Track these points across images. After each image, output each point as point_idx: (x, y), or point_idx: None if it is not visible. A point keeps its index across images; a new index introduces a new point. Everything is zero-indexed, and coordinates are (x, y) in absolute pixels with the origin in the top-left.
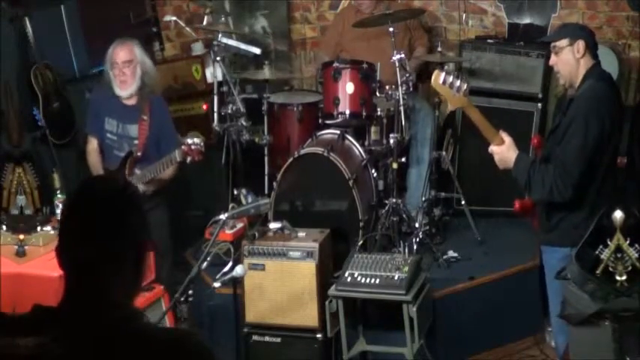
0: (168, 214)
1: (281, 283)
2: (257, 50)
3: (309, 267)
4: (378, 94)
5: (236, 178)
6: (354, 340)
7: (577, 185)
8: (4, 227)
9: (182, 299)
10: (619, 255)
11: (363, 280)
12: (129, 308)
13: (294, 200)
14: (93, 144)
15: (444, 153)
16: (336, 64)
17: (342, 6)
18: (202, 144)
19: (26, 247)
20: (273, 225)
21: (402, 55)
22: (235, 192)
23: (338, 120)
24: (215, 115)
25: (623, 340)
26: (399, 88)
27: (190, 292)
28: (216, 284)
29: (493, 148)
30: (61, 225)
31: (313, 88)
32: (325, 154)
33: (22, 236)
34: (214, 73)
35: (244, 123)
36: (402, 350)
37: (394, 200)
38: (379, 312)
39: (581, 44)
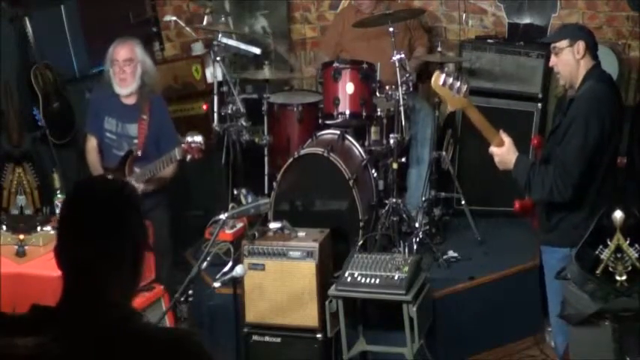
0: (168, 214)
1: (281, 283)
2: (257, 50)
3: (309, 267)
4: (378, 94)
5: (236, 178)
6: (354, 340)
7: (577, 185)
8: (4, 227)
9: (182, 299)
10: (619, 255)
11: (363, 280)
12: (127, 308)
13: (294, 200)
14: (92, 143)
15: (444, 153)
16: (336, 64)
17: (342, 6)
18: (202, 142)
19: (26, 247)
20: (273, 225)
21: (402, 55)
22: (235, 192)
23: (338, 120)
24: (215, 115)
25: (623, 340)
26: (399, 88)
27: (190, 292)
28: (216, 284)
29: (493, 150)
30: (59, 225)
31: (313, 88)
32: (325, 154)
33: (22, 236)
34: (214, 73)
35: (244, 123)
36: (402, 350)
37: (394, 200)
38: (379, 312)
39: (581, 45)
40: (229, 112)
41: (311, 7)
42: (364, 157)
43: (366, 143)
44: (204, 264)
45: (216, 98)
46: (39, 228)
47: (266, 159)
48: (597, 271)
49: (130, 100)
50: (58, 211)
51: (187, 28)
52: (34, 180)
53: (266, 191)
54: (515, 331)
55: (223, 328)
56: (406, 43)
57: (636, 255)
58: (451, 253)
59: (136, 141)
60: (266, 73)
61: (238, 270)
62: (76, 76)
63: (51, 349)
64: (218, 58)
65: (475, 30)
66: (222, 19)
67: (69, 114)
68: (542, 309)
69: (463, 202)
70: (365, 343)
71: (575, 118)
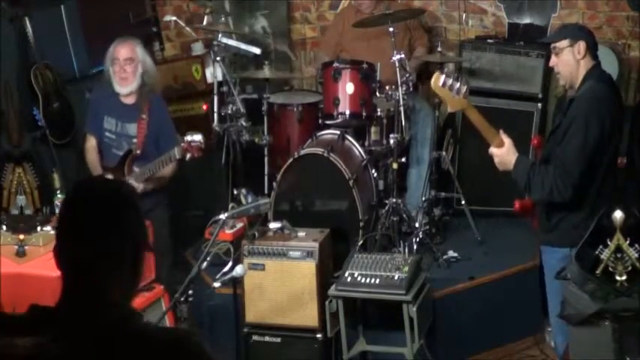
0: (168, 213)
1: (281, 283)
2: (257, 50)
3: (309, 267)
4: (378, 94)
5: (236, 178)
6: (354, 340)
7: (577, 185)
8: (4, 227)
9: (182, 299)
10: (619, 255)
11: (363, 280)
12: (127, 308)
13: (294, 200)
14: (91, 142)
15: (444, 153)
16: (336, 65)
17: (342, 6)
18: (202, 140)
19: (26, 247)
20: (273, 225)
21: (402, 55)
22: (235, 192)
23: (338, 120)
24: (215, 115)
25: (623, 340)
26: (399, 88)
27: (190, 292)
28: (216, 284)
29: (493, 150)
30: (58, 225)
31: (313, 88)
32: (325, 154)
33: (22, 236)
34: (214, 73)
35: (244, 123)
36: (402, 350)
37: (394, 200)
38: (379, 312)
39: (581, 45)
40: (229, 112)
41: (311, 7)
42: (364, 157)
43: (366, 143)
44: (204, 264)
45: (216, 98)
46: (39, 228)
47: (266, 159)
48: (597, 271)
49: (130, 100)
50: (58, 211)
51: (187, 28)
52: (34, 180)
53: (266, 191)
54: (515, 331)
55: (223, 328)
56: (406, 43)
57: (636, 255)
58: (451, 253)
59: (135, 140)
60: (266, 72)
61: (238, 270)
62: (76, 76)
63: (50, 349)
64: (218, 58)
65: (475, 30)
66: (222, 19)
67: (69, 114)
68: (542, 309)
69: (463, 202)
70: (365, 343)
71: (575, 118)
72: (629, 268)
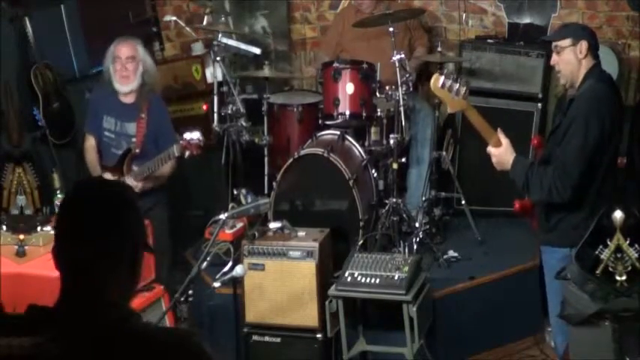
0: (167, 213)
1: (281, 283)
2: (257, 50)
3: (309, 267)
4: (378, 94)
5: (236, 178)
6: (354, 340)
7: (577, 186)
8: (4, 227)
9: (182, 299)
10: (619, 255)
11: (363, 279)
12: (125, 309)
13: (294, 200)
14: (91, 142)
15: (444, 153)
16: (336, 65)
17: (342, 6)
18: (201, 138)
19: (26, 247)
20: (273, 225)
21: (402, 56)
22: (235, 192)
23: (338, 121)
24: (215, 115)
25: (623, 340)
26: (399, 88)
27: (190, 292)
28: (216, 284)
29: (491, 150)
30: (57, 225)
31: (313, 88)
32: (325, 154)
33: (22, 236)
34: (214, 73)
35: (244, 123)
36: (402, 350)
37: (394, 200)
38: (379, 312)
39: (584, 45)
40: (229, 112)
41: (311, 7)
42: (364, 157)
43: (366, 143)
44: (204, 264)
45: (216, 98)
46: (39, 228)
47: (266, 159)
48: (597, 271)
49: (129, 99)
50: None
51: (187, 28)
52: (34, 180)
53: (266, 191)
54: (515, 331)
55: (223, 328)
56: (406, 43)
57: (636, 255)
58: (451, 253)
59: (134, 140)
60: (266, 72)
61: (238, 270)
62: (76, 76)
63: (48, 349)
64: (218, 58)
65: (475, 30)
66: (222, 19)
67: (69, 114)
68: (542, 309)
69: (463, 202)
70: (365, 343)
71: (575, 118)
72: (629, 268)
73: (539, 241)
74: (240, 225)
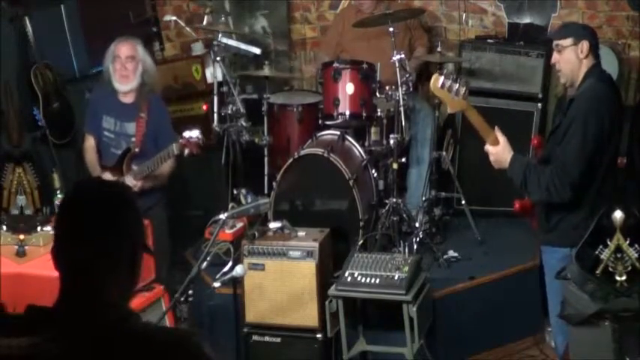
0: (167, 213)
1: (281, 283)
2: (257, 50)
3: (309, 267)
4: (378, 94)
5: (236, 178)
6: (354, 340)
7: (576, 185)
8: (4, 227)
9: (182, 299)
10: (619, 255)
11: (363, 279)
12: (125, 309)
13: (294, 200)
14: (90, 142)
15: (444, 153)
16: (336, 65)
17: (342, 6)
18: (200, 136)
19: (26, 247)
20: (273, 224)
21: (402, 56)
22: (235, 192)
23: (338, 121)
24: (215, 115)
25: (623, 340)
26: (399, 88)
27: (190, 292)
28: (216, 284)
29: (488, 148)
30: (56, 226)
31: (313, 88)
32: (325, 154)
33: (22, 236)
34: (214, 73)
35: (244, 123)
36: (402, 350)
37: (394, 200)
38: (379, 312)
39: (585, 45)
40: (229, 112)
41: (311, 7)
42: (364, 157)
43: (366, 144)
44: (204, 264)
45: (216, 98)
46: (39, 228)
47: (266, 159)
48: (597, 271)
49: (129, 99)
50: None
51: (187, 28)
52: (34, 180)
53: (266, 191)
54: (515, 331)
55: (223, 328)
56: (406, 43)
57: (636, 255)
58: (451, 253)
59: (133, 139)
60: (266, 72)
61: (238, 270)
62: (76, 76)
63: (47, 349)
64: (218, 58)
65: (475, 30)
66: (222, 19)
67: (69, 114)
68: (542, 309)
69: (463, 202)
70: (365, 343)
71: (575, 117)
72: (629, 268)
73: (539, 241)
74: (240, 225)
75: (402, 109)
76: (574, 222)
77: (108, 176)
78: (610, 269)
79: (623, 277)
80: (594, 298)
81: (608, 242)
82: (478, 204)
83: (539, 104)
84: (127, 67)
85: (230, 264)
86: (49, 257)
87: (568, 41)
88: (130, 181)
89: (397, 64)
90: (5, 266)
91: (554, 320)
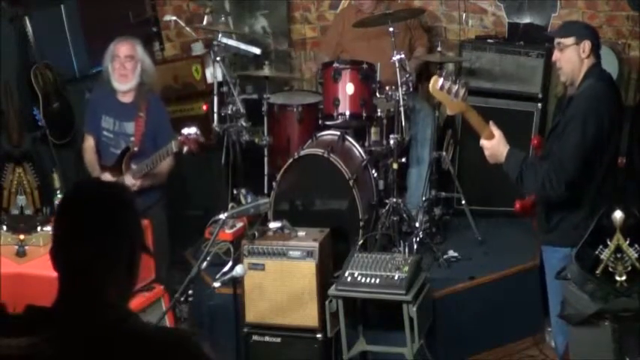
0: (166, 212)
1: (281, 283)
2: (257, 50)
3: (309, 266)
4: (378, 94)
5: (236, 178)
6: (354, 340)
7: (572, 182)
8: (4, 227)
9: (182, 299)
10: (619, 255)
11: (363, 279)
12: (123, 309)
13: (294, 200)
14: (89, 142)
15: (444, 153)
16: (335, 65)
17: (342, 6)
18: (198, 133)
19: (26, 247)
20: (273, 224)
21: (402, 56)
22: (235, 192)
23: (338, 121)
24: (215, 115)
25: (623, 340)
26: (399, 88)
27: (190, 292)
28: (216, 284)
29: (483, 142)
30: (55, 226)
31: (313, 88)
32: (325, 155)
33: (22, 236)
34: (214, 73)
35: (244, 124)
36: (402, 350)
37: (394, 200)
38: (379, 312)
39: (587, 45)
40: (229, 112)
41: (311, 7)
42: (364, 157)
43: (366, 144)
44: (204, 264)
45: (216, 98)
46: (39, 228)
47: (266, 159)
48: (597, 271)
49: (128, 99)
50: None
51: (187, 28)
52: (34, 180)
53: (266, 191)
54: (515, 331)
55: (223, 328)
56: (406, 43)
57: (636, 255)
58: (451, 253)
59: (132, 139)
60: (266, 72)
61: (238, 270)
62: (76, 76)
63: (45, 349)
64: (218, 58)
65: (475, 30)
66: (222, 19)
67: (69, 114)
68: (542, 309)
69: (463, 202)
70: (365, 343)
71: (573, 116)
72: (629, 268)
73: (539, 241)
74: (240, 225)
75: (402, 109)
76: (574, 222)
77: (107, 176)
78: (610, 269)
79: (623, 277)
80: (594, 298)
81: (608, 242)
82: (478, 204)
83: (539, 104)
84: (125, 66)
85: (230, 264)
86: (48, 257)
87: (570, 40)
88: (129, 180)
89: (397, 64)
90: (5, 266)
91: (554, 320)
